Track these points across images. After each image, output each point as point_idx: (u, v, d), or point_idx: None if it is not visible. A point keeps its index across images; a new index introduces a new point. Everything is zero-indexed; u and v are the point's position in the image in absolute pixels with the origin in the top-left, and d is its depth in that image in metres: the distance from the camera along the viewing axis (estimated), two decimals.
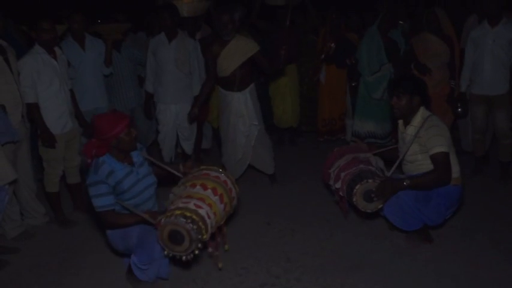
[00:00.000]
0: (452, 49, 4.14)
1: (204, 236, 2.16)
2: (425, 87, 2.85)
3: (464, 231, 3.14)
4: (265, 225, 3.40)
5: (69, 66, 3.58)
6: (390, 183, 2.69)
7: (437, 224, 2.92)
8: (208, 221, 2.20)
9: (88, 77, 3.85)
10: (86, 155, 2.33)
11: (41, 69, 3.21)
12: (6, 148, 3.02)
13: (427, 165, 2.74)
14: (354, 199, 2.71)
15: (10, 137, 2.98)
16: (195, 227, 2.10)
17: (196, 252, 2.16)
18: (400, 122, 2.95)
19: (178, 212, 2.14)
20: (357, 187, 2.68)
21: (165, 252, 2.20)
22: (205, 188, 2.30)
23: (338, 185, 2.90)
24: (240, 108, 3.76)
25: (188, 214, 2.12)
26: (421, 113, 2.80)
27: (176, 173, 2.59)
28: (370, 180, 2.68)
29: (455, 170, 2.77)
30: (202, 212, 2.18)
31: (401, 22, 4.93)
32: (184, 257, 2.18)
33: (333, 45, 4.76)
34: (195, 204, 2.20)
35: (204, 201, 2.23)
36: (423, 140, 2.72)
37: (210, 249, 2.36)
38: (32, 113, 3.23)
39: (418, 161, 2.80)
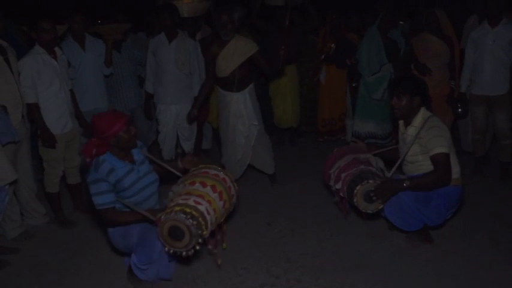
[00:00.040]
0: (452, 49, 4.14)
1: (204, 232, 2.17)
2: (426, 87, 2.84)
3: (464, 231, 3.14)
4: (265, 225, 3.40)
5: (69, 66, 3.58)
6: (390, 184, 2.69)
7: (438, 225, 2.92)
8: (208, 217, 2.21)
9: (88, 77, 3.85)
10: (86, 155, 2.33)
11: (41, 69, 3.21)
12: (7, 148, 3.02)
13: (427, 166, 2.74)
14: (355, 200, 2.71)
15: (11, 137, 2.99)
16: (194, 222, 2.11)
17: (197, 247, 2.16)
18: (401, 122, 2.95)
19: (178, 208, 2.15)
20: (357, 188, 2.68)
21: (166, 249, 2.21)
22: (204, 185, 2.31)
23: (338, 186, 2.90)
24: (239, 108, 3.76)
25: (188, 210, 2.13)
26: (422, 113, 2.80)
27: (175, 171, 2.61)
28: (370, 181, 2.68)
29: (456, 171, 2.77)
30: (201, 208, 2.20)
31: (401, 22, 4.93)
32: (184, 253, 2.18)
33: (333, 45, 4.77)
34: (194, 201, 2.21)
35: (203, 197, 2.25)
36: (424, 141, 2.72)
37: (209, 246, 2.37)
38: (32, 113, 3.23)
39: (418, 161, 2.80)
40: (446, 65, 4.15)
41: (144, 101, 4.35)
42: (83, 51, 3.81)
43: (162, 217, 2.16)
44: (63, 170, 3.51)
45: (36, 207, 3.46)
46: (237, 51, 3.61)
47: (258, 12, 4.82)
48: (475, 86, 3.93)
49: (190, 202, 2.20)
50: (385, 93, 4.35)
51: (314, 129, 5.31)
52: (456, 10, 5.08)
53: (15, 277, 2.86)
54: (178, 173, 2.60)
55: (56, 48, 3.37)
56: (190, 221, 2.10)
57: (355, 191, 2.68)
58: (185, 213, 2.12)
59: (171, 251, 2.21)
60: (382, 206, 2.74)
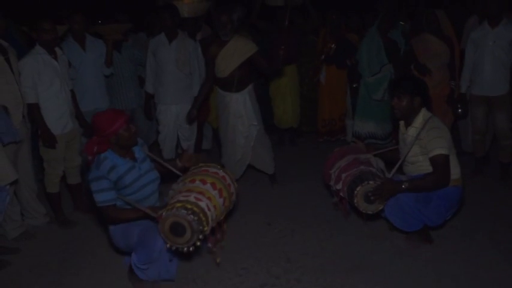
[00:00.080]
0: (452, 50, 4.14)
1: (205, 228, 2.18)
2: (426, 87, 2.84)
3: (464, 231, 3.15)
4: (265, 225, 3.40)
5: (69, 66, 3.58)
6: (389, 185, 2.68)
7: (438, 225, 2.92)
8: (208, 213, 2.22)
9: (88, 77, 3.85)
10: (87, 153, 2.34)
11: (41, 69, 3.21)
12: (8, 148, 3.03)
13: (427, 167, 2.74)
14: (355, 201, 2.71)
15: (11, 137, 2.99)
16: (196, 218, 2.12)
17: (198, 243, 2.17)
18: (402, 123, 2.94)
19: (179, 204, 2.16)
20: (357, 189, 2.68)
21: (167, 245, 2.21)
22: (204, 182, 2.33)
23: (339, 186, 2.90)
24: (239, 109, 3.76)
25: (189, 206, 2.15)
26: (423, 114, 2.80)
27: (175, 170, 2.62)
28: (371, 182, 2.67)
29: (456, 171, 2.77)
30: (202, 204, 2.21)
31: (401, 22, 4.93)
32: (185, 249, 2.19)
33: (333, 45, 4.77)
34: (195, 197, 2.23)
35: (203, 194, 2.27)
36: (424, 142, 2.71)
37: (209, 244, 2.37)
38: (33, 113, 3.24)
39: (419, 162, 2.80)
40: (446, 65, 4.15)
41: (144, 101, 4.36)
42: (83, 52, 3.82)
43: (164, 213, 2.17)
44: (64, 170, 3.52)
45: (36, 207, 3.46)
46: (236, 52, 3.61)
47: (258, 12, 4.83)
48: (475, 87, 3.93)
49: (191, 199, 2.21)
50: (386, 94, 4.35)
51: (314, 129, 5.31)
52: (456, 10, 5.07)
53: (15, 277, 2.86)
54: (178, 172, 2.61)
55: (57, 49, 3.37)
56: (192, 216, 2.12)
57: (356, 191, 2.68)
58: (186, 209, 2.13)
59: (173, 248, 2.21)
60: (382, 206, 2.74)
